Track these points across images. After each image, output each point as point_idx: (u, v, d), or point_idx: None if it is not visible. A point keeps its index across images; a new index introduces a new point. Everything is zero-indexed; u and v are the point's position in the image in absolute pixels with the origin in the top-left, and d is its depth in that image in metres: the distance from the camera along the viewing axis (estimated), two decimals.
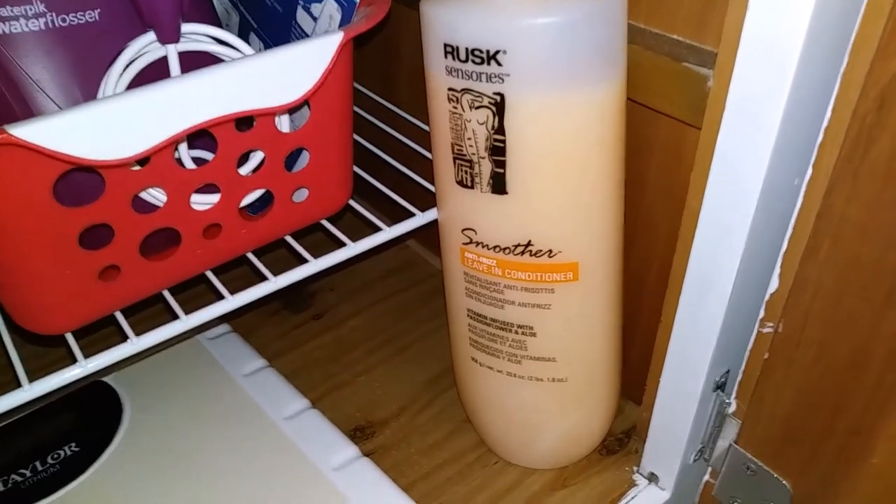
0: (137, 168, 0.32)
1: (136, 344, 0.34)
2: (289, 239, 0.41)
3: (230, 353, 0.53)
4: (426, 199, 0.44)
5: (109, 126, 0.28)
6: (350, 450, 0.45)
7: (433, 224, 0.42)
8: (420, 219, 0.43)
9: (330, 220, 0.42)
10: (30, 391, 0.32)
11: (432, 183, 0.41)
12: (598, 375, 0.42)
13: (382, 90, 0.57)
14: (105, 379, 0.51)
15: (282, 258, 0.43)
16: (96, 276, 0.33)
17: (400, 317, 0.60)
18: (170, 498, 0.43)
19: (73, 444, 0.46)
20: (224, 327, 0.56)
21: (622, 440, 0.49)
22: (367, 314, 0.61)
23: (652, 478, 0.46)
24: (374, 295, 0.63)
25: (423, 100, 0.37)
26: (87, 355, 0.34)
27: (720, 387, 0.40)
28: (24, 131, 0.26)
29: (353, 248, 0.40)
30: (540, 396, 0.42)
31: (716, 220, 0.34)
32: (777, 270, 0.34)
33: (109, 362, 0.34)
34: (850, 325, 0.32)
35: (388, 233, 0.42)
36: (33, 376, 0.33)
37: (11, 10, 0.32)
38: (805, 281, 0.32)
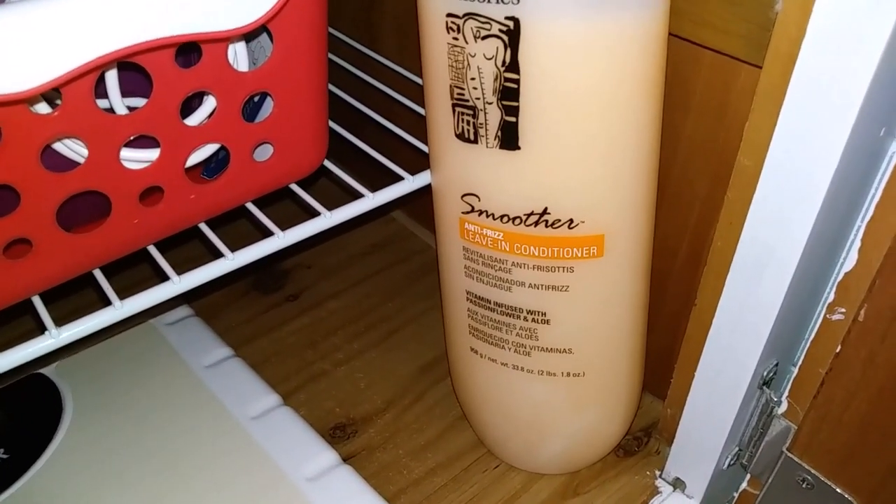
0: (47, 110, 0.24)
1: (56, 338, 0.27)
2: (251, 207, 0.34)
3: (190, 340, 0.47)
4: (416, 161, 0.37)
5: (3, 48, 0.21)
6: (327, 455, 0.38)
7: (425, 190, 0.35)
8: (409, 184, 0.36)
9: (301, 184, 0.35)
10: None
11: (424, 141, 0.34)
12: (620, 369, 0.36)
13: (363, 36, 0.50)
14: (43, 371, 0.44)
15: (244, 231, 0.36)
16: (1, 254, 0.26)
17: (386, 298, 0.54)
18: None
19: (1, 451, 0.39)
20: (184, 310, 0.49)
21: (641, 439, 0.43)
22: (348, 295, 0.54)
23: (677, 484, 0.39)
24: (356, 273, 0.56)
25: (412, 44, 0.30)
26: None
27: (766, 383, 0.33)
28: None
29: (328, 219, 0.33)
30: (552, 393, 0.36)
31: (780, 183, 0.27)
32: (857, 244, 0.28)
33: (21, 360, 0.27)
34: None
35: (370, 200, 0.35)
36: None
37: None
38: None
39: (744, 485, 0.38)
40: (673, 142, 0.34)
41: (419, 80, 0.34)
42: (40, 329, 0.28)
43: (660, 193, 0.35)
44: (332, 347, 0.50)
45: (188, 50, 0.27)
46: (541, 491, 0.40)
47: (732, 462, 0.37)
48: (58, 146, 0.26)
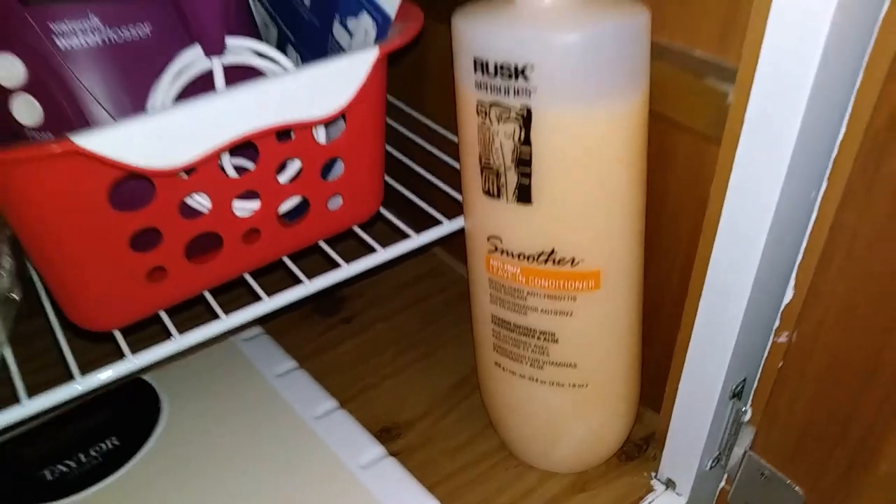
0: (185, 176, 0.34)
1: (179, 342, 0.36)
2: (323, 244, 0.43)
3: (263, 354, 0.55)
4: (453, 208, 0.45)
5: (161, 136, 0.30)
6: (377, 449, 0.47)
7: (459, 232, 0.44)
8: (447, 227, 0.44)
9: (361, 226, 0.44)
10: (82, 384, 0.34)
11: (459, 192, 0.43)
12: (618, 381, 0.44)
13: (412, 101, 0.59)
14: (145, 377, 0.53)
15: (316, 263, 0.44)
16: (144, 277, 0.35)
17: (426, 322, 0.62)
18: (204, 492, 0.44)
19: (114, 438, 0.48)
20: (257, 329, 0.58)
21: (641, 447, 0.50)
22: (394, 319, 0.63)
23: (669, 483, 0.46)
24: (401, 301, 0.65)
25: (451, 111, 0.39)
26: (133, 352, 0.36)
27: (737, 395, 0.41)
28: (86, 140, 0.29)
29: (383, 255, 0.42)
30: (561, 401, 0.44)
31: (734, 231, 0.35)
32: (792, 281, 0.35)
33: (155, 359, 0.36)
34: (862, 337, 0.33)
35: (416, 240, 0.44)
36: (84, 370, 0.35)
37: (70, 25, 0.35)
38: (818, 292, 0.33)
39: (722, 483, 0.45)
40: (662, 196, 0.42)
41: (455, 139, 0.43)
42: (166, 334, 0.37)
43: (653, 237, 0.42)
44: (379, 364, 0.58)
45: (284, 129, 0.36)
46: (553, 486, 0.48)
47: (714, 464, 0.44)
48: (189, 200, 0.35)
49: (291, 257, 0.42)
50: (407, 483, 0.44)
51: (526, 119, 0.35)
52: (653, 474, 0.48)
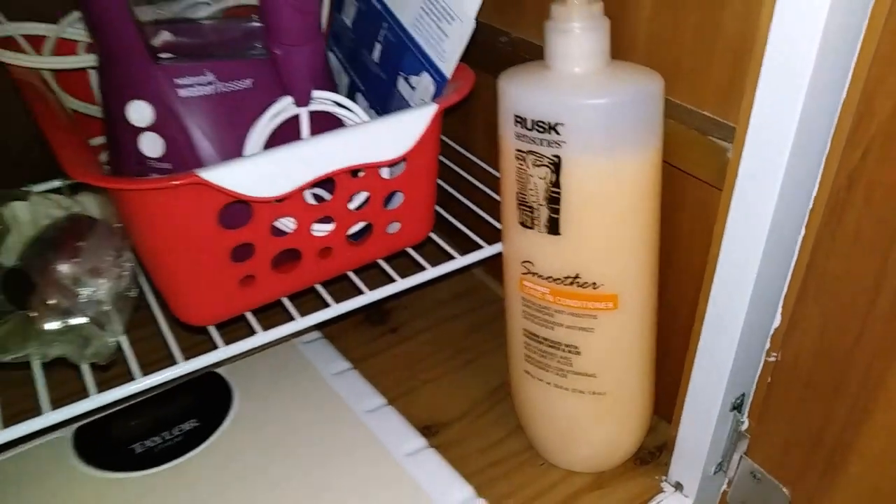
0: (277, 203, 0.41)
1: (262, 336, 0.44)
2: (381, 262, 0.50)
3: (320, 355, 0.63)
4: (492, 234, 0.52)
5: (264, 172, 0.38)
6: (419, 441, 0.53)
7: (497, 256, 0.51)
8: (487, 251, 0.52)
9: (414, 248, 0.51)
10: (185, 367, 0.42)
11: (498, 221, 0.50)
12: (634, 391, 0.50)
13: (460, 140, 0.67)
14: (218, 371, 0.61)
15: (373, 277, 0.52)
16: (238, 283, 0.43)
17: (465, 335, 0.69)
18: (267, 471, 0.52)
19: (194, 420, 0.56)
20: (316, 334, 0.65)
21: (654, 454, 0.56)
22: (436, 330, 0.70)
23: (678, 486, 0.52)
24: (443, 314, 0.72)
25: (493, 150, 0.46)
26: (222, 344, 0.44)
27: (736, 407, 0.47)
28: (206, 174, 0.37)
29: (431, 272, 0.49)
30: (581, 406, 0.50)
31: (731, 265, 0.41)
32: (779, 309, 0.41)
33: (242, 350, 0.44)
34: (831, 358, 0.39)
35: (460, 261, 0.51)
36: (186, 355, 0.43)
37: (190, 80, 0.43)
38: (798, 319, 0.40)
39: (724, 486, 0.51)
40: (675, 233, 0.48)
41: (495, 173, 0.50)
42: (250, 330, 0.45)
43: (667, 268, 0.49)
44: (422, 370, 0.65)
45: None
46: (573, 483, 0.54)
47: (717, 470, 0.50)
48: (277, 223, 0.43)
49: (355, 272, 0.49)
50: (445, 471, 0.51)
51: (556, 165, 0.42)
52: (663, 478, 0.53)
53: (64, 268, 0.41)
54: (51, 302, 0.40)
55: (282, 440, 0.54)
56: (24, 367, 0.43)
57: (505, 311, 0.52)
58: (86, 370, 0.42)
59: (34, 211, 0.45)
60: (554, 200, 0.43)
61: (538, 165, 0.43)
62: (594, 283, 0.45)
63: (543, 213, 0.44)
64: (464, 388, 0.63)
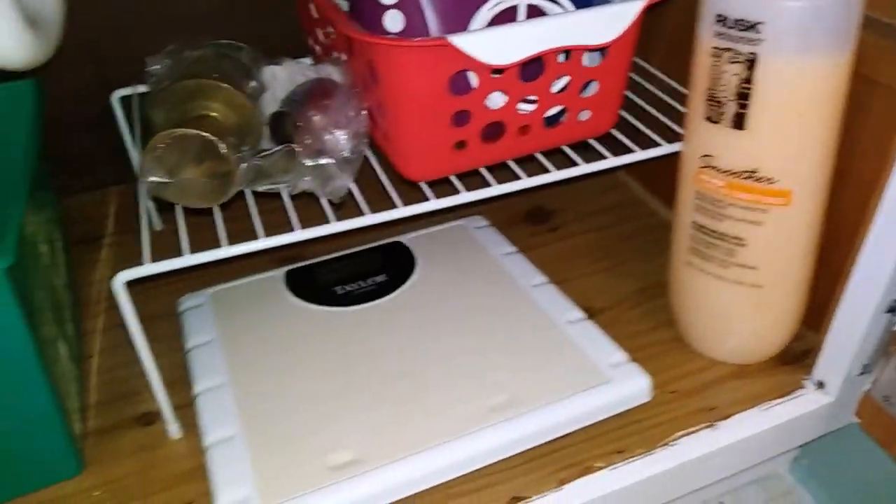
0: (496, 77, 0.48)
1: (464, 196, 0.51)
2: (567, 149, 0.56)
3: (489, 239, 0.70)
4: (670, 137, 0.57)
5: (499, 43, 0.45)
6: (579, 313, 0.60)
7: (663, 162, 0.55)
8: (665, 148, 0.56)
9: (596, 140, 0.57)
10: (403, 211, 0.50)
11: (676, 123, 0.54)
12: (790, 287, 0.54)
13: (642, 46, 0.71)
14: (401, 240, 0.70)
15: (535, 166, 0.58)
16: (452, 147, 0.51)
17: (618, 242, 0.74)
18: (443, 321, 0.60)
19: (384, 275, 0.65)
20: (483, 220, 0.73)
21: (800, 357, 0.59)
22: (591, 235, 0.75)
23: (819, 385, 0.56)
24: (599, 222, 0.77)
25: (675, 58, 0.50)
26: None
27: (891, 310, 0.50)
28: (456, 39, 0.44)
29: (612, 161, 0.55)
30: (738, 298, 0.55)
31: None
32: None
33: (449, 205, 0.51)
34: None
35: (639, 154, 0.56)
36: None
37: None
38: None
39: (866, 385, 0.54)
40: (855, 139, 0.51)
41: (670, 81, 0.54)
42: (454, 191, 0.52)
43: (841, 172, 0.52)
44: (577, 266, 0.71)
45: (563, 53, 0.49)
46: (717, 371, 0.59)
47: (863, 371, 0.53)
48: (491, 95, 0.50)
49: (524, 160, 0.55)
50: (603, 339, 0.57)
51: (752, 62, 0.46)
52: (806, 377, 0.57)
53: (317, 118, 0.50)
54: (307, 142, 0.49)
55: (457, 300, 0.62)
56: (273, 196, 0.53)
57: (675, 204, 0.57)
58: (325, 204, 0.51)
59: (289, 72, 0.54)
60: (744, 96, 0.48)
61: (733, 62, 0.47)
62: (770, 179, 0.49)
63: (731, 109, 0.49)
64: (614, 284, 0.68)
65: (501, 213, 0.76)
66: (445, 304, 0.61)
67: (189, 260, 0.47)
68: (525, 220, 0.78)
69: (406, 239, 0.70)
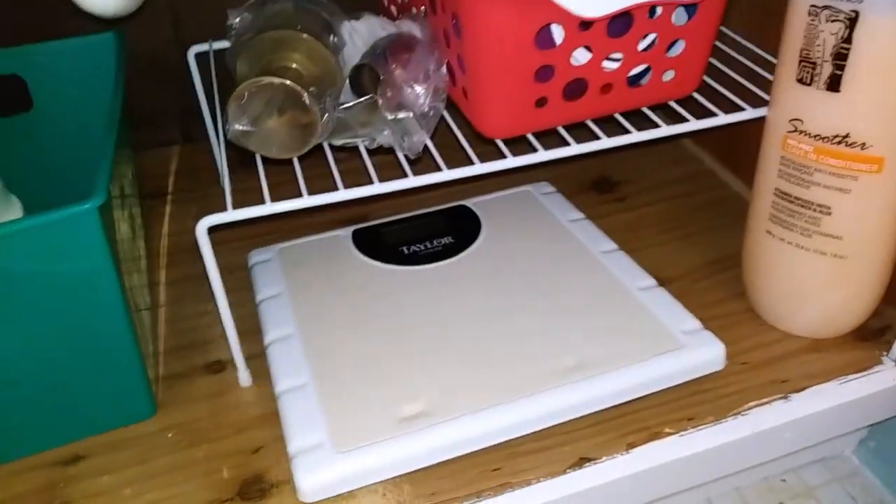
0: (583, 31, 0.47)
1: (542, 154, 0.51)
2: (647, 111, 0.55)
3: (557, 205, 0.69)
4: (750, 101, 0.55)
5: None
6: (651, 280, 0.59)
7: (736, 133, 0.53)
8: (749, 113, 0.55)
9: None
10: (479, 167, 0.50)
11: (761, 89, 0.53)
12: (874, 258, 0.52)
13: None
14: (467, 203, 0.70)
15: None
16: (533, 103, 0.50)
17: (687, 213, 0.72)
18: (512, 283, 0.59)
19: (450, 237, 0.65)
20: (550, 187, 0.72)
21: (879, 334, 0.57)
22: (659, 206, 0.74)
23: None
24: (668, 192, 0.76)
25: (756, 21, 0.48)
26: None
27: None
28: None
29: (695, 124, 0.53)
30: (820, 268, 0.53)
31: None
32: None
33: (528, 162, 0.51)
34: None
35: (722, 118, 0.54)
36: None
37: None
38: None
39: None
40: None
41: (750, 45, 0.52)
42: (532, 149, 0.52)
43: None
44: (645, 236, 0.70)
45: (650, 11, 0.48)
46: (791, 344, 0.57)
47: None
48: (575, 52, 0.49)
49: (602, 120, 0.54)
50: (676, 306, 0.56)
51: (852, 21, 0.44)
52: (884, 353, 0.56)
53: (398, 71, 0.50)
54: (389, 95, 0.49)
55: (525, 262, 0.62)
56: (347, 153, 0.53)
57: (757, 170, 0.55)
58: (401, 158, 0.51)
59: (368, 27, 0.54)
60: (841, 57, 0.46)
61: (832, 21, 0.45)
62: (863, 144, 0.47)
63: (826, 70, 0.47)
64: (683, 255, 0.67)
65: (567, 182, 0.75)
66: (513, 267, 0.61)
67: (271, 208, 0.47)
68: (591, 189, 0.77)
69: (471, 202, 0.70)
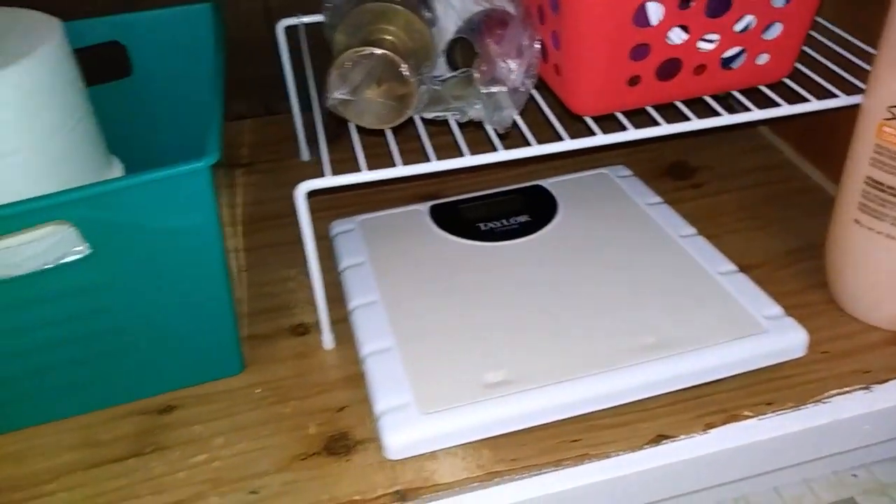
0: (682, 10, 0.47)
1: (632, 133, 0.51)
2: (735, 93, 0.55)
3: (634, 188, 0.69)
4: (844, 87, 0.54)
5: None
6: (732, 265, 0.59)
7: (818, 124, 0.52)
8: (843, 100, 0.54)
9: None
10: (569, 144, 0.51)
11: (854, 76, 0.52)
12: None
13: None
14: (543, 184, 0.70)
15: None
16: (626, 82, 0.50)
17: (765, 201, 0.71)
18: (589, 263, 0.60)
19: (527, 216, 0.66)
20: (627, 170, 0.72)
21: None
22: (737, 194, 0.73)
23: None
24: (745, 181, 0.75)
25: (848, 9, 0.47)
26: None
27: None
28: None
29: (788, 109, 0.53)
30: None
31: None
32: None
33: (616, 140, 0.51)
34: None
35: (814, 104, 0.54)
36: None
37: None
38: None
39: None
40: None
41: (842, 33, 0.52)
42: (621, 128, 0.52)
43: None
44: (722, 223, 0.69)
45: None
46: (872, 336, 0.56)
47: None
48: (671, 33, 0.49)
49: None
50: (757, 291, 0.56)
51: None
52: None
53: (494, 45, 0.50)
54: (484, 69, 0.50)
55: (603, 242, 0.62)
56: (437, 126, 0.55)
57: (847, 160, 0.54)
58: (491, 132, 0.52)
59: (462, 2, 0.55)
60: None
61: None
62: None
63: None
64: (763, 244, 0.66)
65: (642, 167, 0.75)
66: (591, 246, 0.62)
67: (366, 176, 0.49)
68: (667, 175, 0.77)
69: (547, 183, 0.70)
